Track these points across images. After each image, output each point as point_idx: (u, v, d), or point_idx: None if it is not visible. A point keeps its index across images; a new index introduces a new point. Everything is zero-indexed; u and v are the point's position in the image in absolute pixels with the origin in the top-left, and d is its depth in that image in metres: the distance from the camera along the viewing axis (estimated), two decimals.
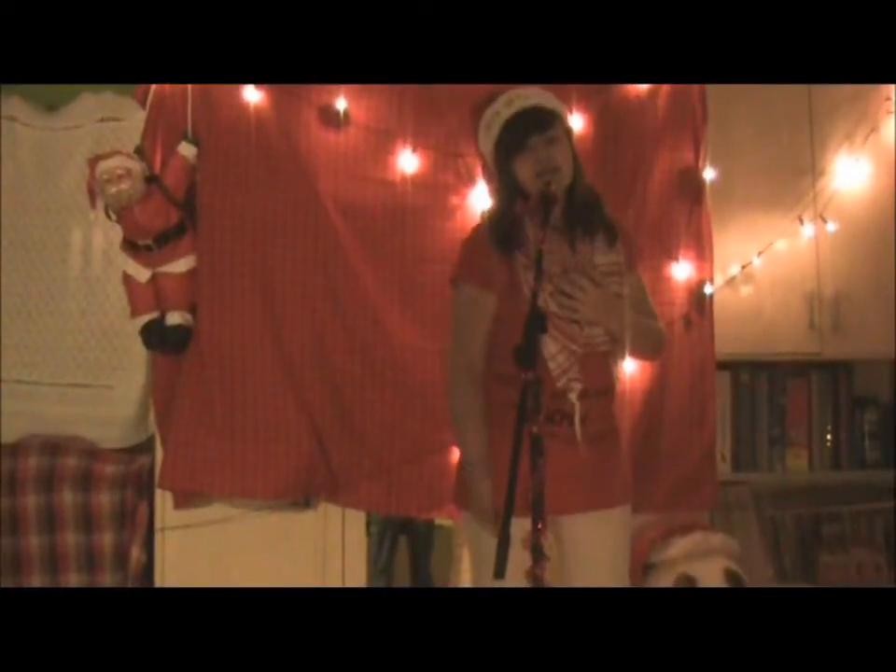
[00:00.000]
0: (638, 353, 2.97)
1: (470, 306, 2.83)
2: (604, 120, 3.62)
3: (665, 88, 3.64)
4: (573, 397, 2.68)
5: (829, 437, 3.96)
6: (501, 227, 2.79)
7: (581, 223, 2.79)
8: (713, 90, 3.67)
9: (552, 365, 2.67)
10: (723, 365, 3.79)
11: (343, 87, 3.56)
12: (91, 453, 3.72)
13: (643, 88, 3.64)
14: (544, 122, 2.75)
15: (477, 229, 2.95)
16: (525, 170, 2.74)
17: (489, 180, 3.35)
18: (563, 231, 2.78)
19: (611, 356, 2.81)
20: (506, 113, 2.78)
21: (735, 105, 3.82)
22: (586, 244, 2.78)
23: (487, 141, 2.83)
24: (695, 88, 3.67)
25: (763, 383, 3.97)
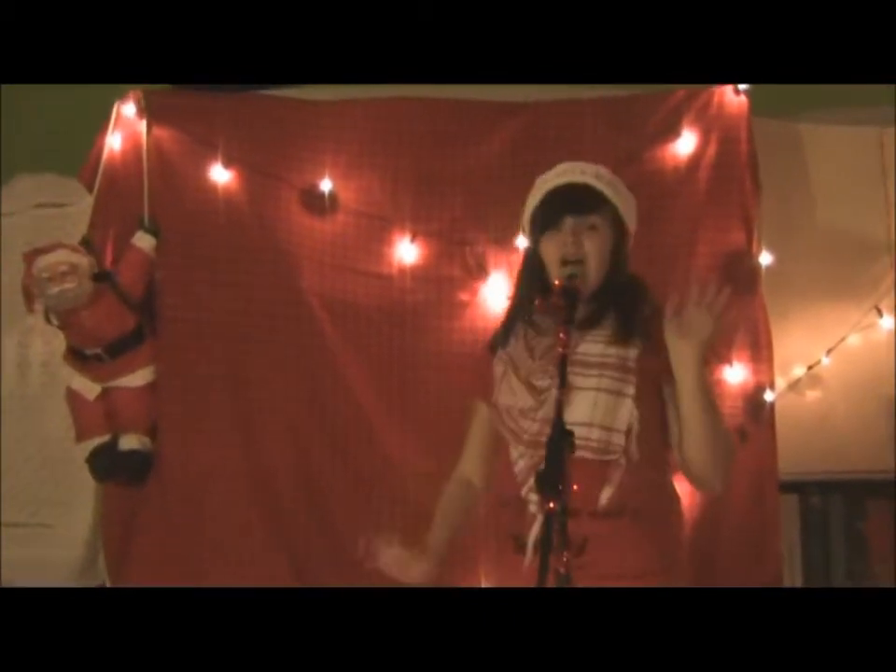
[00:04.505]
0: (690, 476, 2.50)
1: (479, 422, 2.57)
2: (636, 197, 3.34)
3: (708, 157, 3.47)
4: (532, 509, 2.28)
5: None
6: (514, 322, 2.51)
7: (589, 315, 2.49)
8: (765, 157, 3.45)
9: (514, 470, 2.38)
10: (788, 486, 3.47)
11: (329, 167, 3.49)
12: None
13: (682, 157, 3.47)
14: (587, 204, 2.44)
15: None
16: (550, 252, 2.44)
17: None
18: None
19: (615, 466, 2.34)
20: (553, 183, 2.49)
21: (792, 173, 3.60)
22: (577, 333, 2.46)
23: (527, 211, 2.56)
24: (743, 155, 3.46)
25: (838, 506, 3.60)
